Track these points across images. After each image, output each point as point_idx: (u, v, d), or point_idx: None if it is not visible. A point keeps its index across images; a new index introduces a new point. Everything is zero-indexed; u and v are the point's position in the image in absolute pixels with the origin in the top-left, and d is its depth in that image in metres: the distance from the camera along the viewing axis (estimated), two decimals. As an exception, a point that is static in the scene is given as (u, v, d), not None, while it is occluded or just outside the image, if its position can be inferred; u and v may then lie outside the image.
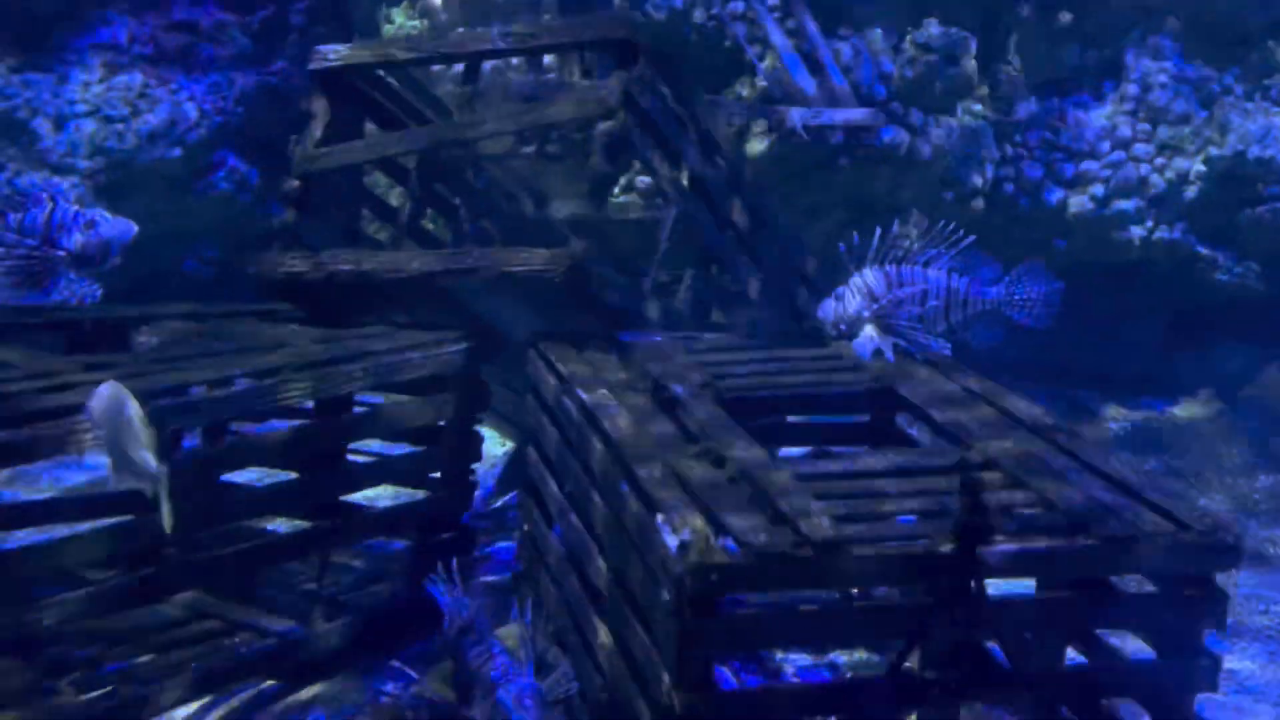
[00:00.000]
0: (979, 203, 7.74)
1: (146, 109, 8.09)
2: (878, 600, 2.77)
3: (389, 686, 3.85)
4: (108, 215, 4.80)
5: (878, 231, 4.63)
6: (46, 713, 3.21)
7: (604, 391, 3.96)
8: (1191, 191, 7.40)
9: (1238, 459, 7.07)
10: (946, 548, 2.66)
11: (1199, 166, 7.38)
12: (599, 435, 3.59)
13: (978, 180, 7.75)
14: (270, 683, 4.03)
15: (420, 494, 4.70)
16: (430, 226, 6.59)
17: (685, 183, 5.20)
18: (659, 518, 2.86)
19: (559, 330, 4.75)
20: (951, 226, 4.61)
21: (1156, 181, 7.48)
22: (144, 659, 3.92)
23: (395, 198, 6.72)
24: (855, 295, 4.75)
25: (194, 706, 3.79)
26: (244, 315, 5.18)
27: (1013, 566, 2.70)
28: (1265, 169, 7.23)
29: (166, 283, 7.78)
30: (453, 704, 3.79)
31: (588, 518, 3.83)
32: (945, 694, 2.69)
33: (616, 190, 7.86)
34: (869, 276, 4.71)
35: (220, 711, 3.90)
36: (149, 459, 2.92)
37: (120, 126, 8.00)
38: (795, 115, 6.56)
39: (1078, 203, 7.64)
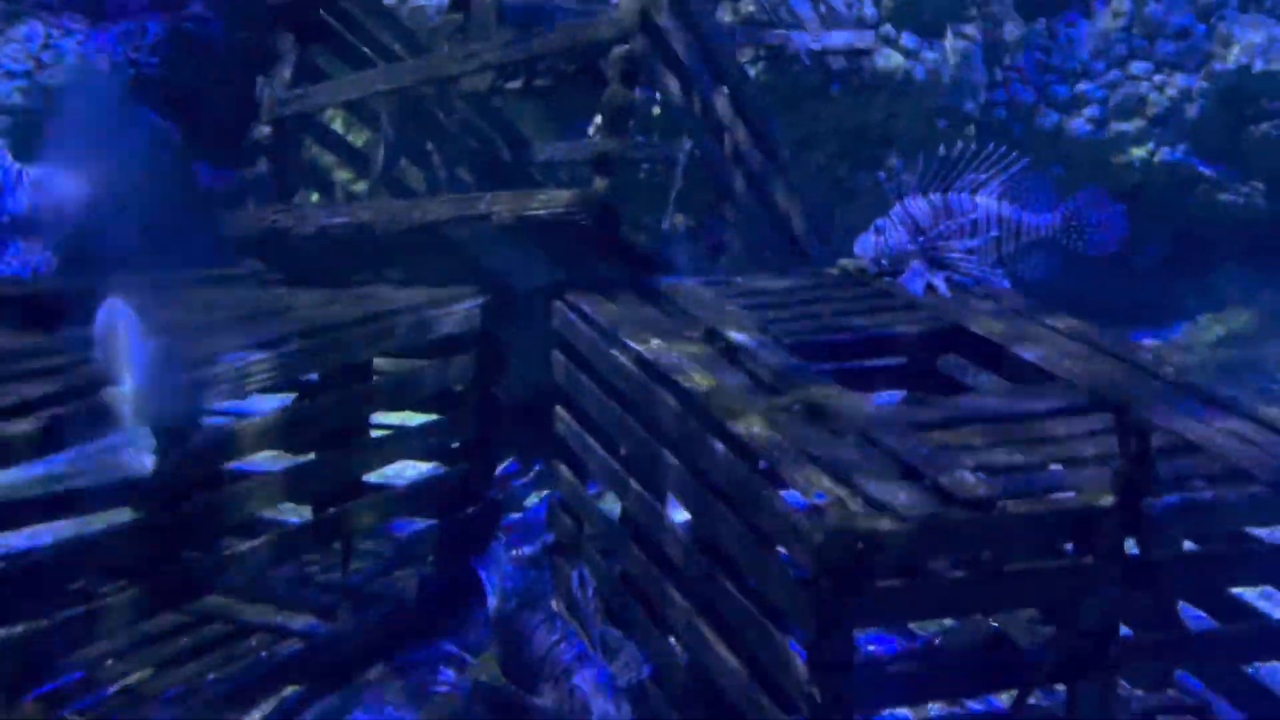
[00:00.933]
0: (971, 130, 7.45)
1: (52, 62, 7.38)
2: (1032, 563, 2.46)
3: (444, 677, 3.44)
4: (51, 172, 4.26)
5: (921, 157, 4.29)
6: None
7: (657, 342, 3.57)
8: (1193, 110, 7.17)
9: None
10: (1108, 501, 2.33)
11: (1201, 83, 7.15)
12: (671, 390, 3.20)
13: (970, 106, 7.44)
14: (294, 688, 3.60)
15: (438, 467, 4.29)
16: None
17: (700, 114, 4.80)
18: (787, 480, 2.49)
19: (581, 279, 4.34)
20: (1002, 150, 4.30)
21: (1157, 100, 7.23)
22: (150, 676, 3.46)
23: (363, 143, 6.21)
24: (898, 227, 4.41)
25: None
26: (218, 281, 4.67)
27: (1178, 519, 2.39)
28: (1270, 83, 7.02)
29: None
30: (516, 692, 3.41)
31: (657, 482, 3.46)
32: (1106, 663, 2.38)
33: (591, 129, 7.45)
34: (914, 206, 4.38)
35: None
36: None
37: (23, 82, 7.28)
38: (798, 40, 6.14)
39: (1074, 126, 7.38)
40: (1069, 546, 2.47)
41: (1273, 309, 7.50)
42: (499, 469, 4.56)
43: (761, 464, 2.80)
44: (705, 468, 2.94)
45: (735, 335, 3.58)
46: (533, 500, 5.18)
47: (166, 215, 5.48)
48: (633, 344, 3.56)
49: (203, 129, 8.04)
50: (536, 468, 5.33)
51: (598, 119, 7.33)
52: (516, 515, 4.86)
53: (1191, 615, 3.17)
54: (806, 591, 2.37)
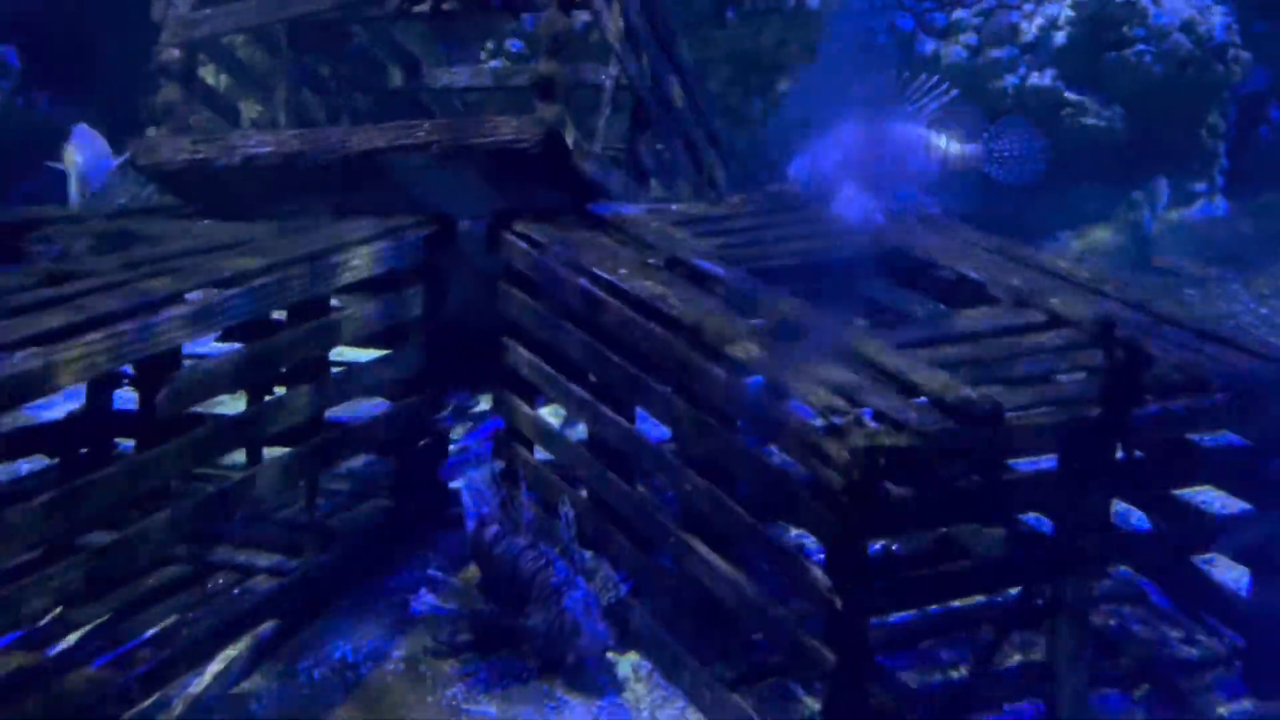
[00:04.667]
0: (855, 57, 7.68)
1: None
2: (1032, 473, 2.69)
3: (425, 599, 3.47)
4: None
5: (857, 85, 4.43)
6: (56, 697, 2.68)
7: (624, 271, 3.63)
8: (1060, 37, 7.58)
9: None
10: (1099, 412, 2.57)
11: (1067, 11, 7.55)
12: (654, 318, 3.28)
13: (855, 33, 7.67)
14: (267, 625, 3.57)
15: (384, 402, 4.25)
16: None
17: (626, 38, 4.80)
18: (799, 399, 2.62)
19: (522, 207, 4.32)
20: (935, 79, 4.48)
21: (1027, 28, 7.61)
22: (119, 619, 3.37)
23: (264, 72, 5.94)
24: (831, 152, 4.56)
25: (208, 670, 3.30)
26: (137, 214, 4.44)
27: (1158, 427, 2.65)
28: (1129, 11, 7.48)
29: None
30: (498, 612, 3.48)
31: (633, 407, 3.55)
32: (1091, 561, 2.65)
33: (484, 55, 7.32)
34: (846, 132, 4.52)
35: (218, 667, 3.41)
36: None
37: None
38: (700, -36, 6.15)
39: (951, 52, 7.69)
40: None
41: (1126, 224, 8.09)
42: (449, 399, 4.54)
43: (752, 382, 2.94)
44: (702, 391, 3.05)
45: (699, 263, 3.67)
46: (460, 431, 5.20)
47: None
48: (603, 273, 3.61)
49: (48, 56, 7.47)
50: (451, 400, 5.34)
51: (489, 44, 7.23)
52: (455, 445, 4.87)
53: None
54: (828, 505, 2.53)
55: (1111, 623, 3.19)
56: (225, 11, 4.71)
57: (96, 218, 4.11)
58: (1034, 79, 7.64)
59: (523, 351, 4.12)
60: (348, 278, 3.67)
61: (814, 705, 3.06)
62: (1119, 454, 2.59)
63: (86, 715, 2.72)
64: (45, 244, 3.71)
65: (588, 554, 3.65)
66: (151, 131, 4.68)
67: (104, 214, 4.26)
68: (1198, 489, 3.32)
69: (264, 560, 3.72)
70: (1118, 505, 3.37)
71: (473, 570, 3.74)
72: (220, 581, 3.67)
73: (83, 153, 4.18)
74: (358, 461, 4.32)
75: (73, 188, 4.11)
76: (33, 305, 2.65)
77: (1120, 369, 2.54)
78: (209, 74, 5.77)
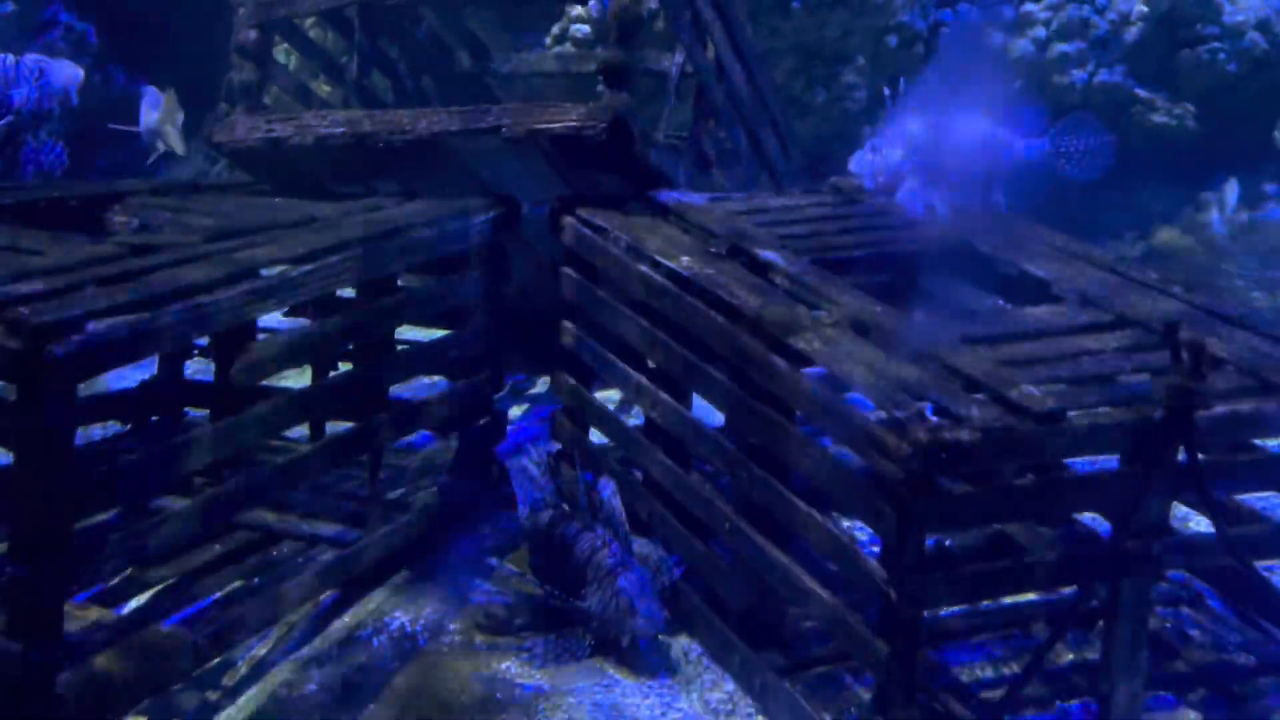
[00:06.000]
0: (920, 48, 7.62)
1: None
2: (1092, 472, 2.70)
3: (478, 584, 3.55)
4: (45, 58, 4.11)
5: (924, 78, 4.42)
6: (142, 648, 2.79)
7: (687, 259, 3.66)
8: (1132, 33, 7.46)
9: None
10: (1162, 413, 2.56)
11: (1140, 7, 7.43)
12: (716, 306, 3.32)
13: (921, 24, 7.61)
14: (328, 593, 3.67)
15: (443, 381, 4.33)
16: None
17: (692, 26, 4.82)
18: (861, 394, 2.64)
19: (587, 193, 4.37)
20: (1004, 74, 4.45)
21: (1098, 23, 7.50)
22: (186, 582, 3.48)
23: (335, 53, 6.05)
24: (894, 147, 4.55)
25: (272, 634, 3.40)
26: (212, 190, 4.56)
27: (1224, 430, 2.64)
28: (1204, 8, 7.34)
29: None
30: (552, 594, 3.54)
31: (691, 393, 3.59)
32: (1151, 563, 2.64)
33: (549, 41, 7.37)
34: (909, 125, 4.51)
35: (281, 631, 3.52)
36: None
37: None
38: (770, -46, 6.15)
39: (1020, 46, 7.60)
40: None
41: (1194, 225, 7.96)
42: (508, 380, 4.62)
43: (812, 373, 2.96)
44: (762, 381, 3.08)
45: (762, 252, 3.70)
46: (516, 412, 5.27)
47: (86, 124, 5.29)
48: (664, 261, 3.65)
49: (124, 33, 7.65)
50: (509, 381, 5.41)
51: (555, 30, 7.28)
52: (511, 425, 4.94)
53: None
54: (887, 497, 2.55)
55: (1168, 625, 3.18)
56: (300, -8, 4.80)
57: (174, 192, 4.23)
58: (1103, 75, 7.53)
59: (581, 335, 4.17)
60: (416, 257, 3.74)
61: (864, 695, 3.09)
62: (1182, 456, 2.58)
63: (158, 669, 2.82)
64: (126, 216, 3.82)
65: (642, 537, 3.71)
66: (223, 108, 4.80)
67: (180, 189, 4.39)
68: (1263, 494, 3.29)
69: (327, 530, 3.81)
70: (1177, 508, 3.36)
71: (526, 550, 3.81)
72: (284, 549, 3.78)
73: (152, 113, 4.38)
74: (417, 438, 4.41)
75: (150, 142, 4.40)
76: (119, 276, 2.75)
77: (1186, 371, 2.53)
78: (280, 54, 5.89)
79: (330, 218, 3.71)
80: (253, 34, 4.71)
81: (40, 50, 7.07)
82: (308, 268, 3.15)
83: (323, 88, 6.05)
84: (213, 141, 4.52)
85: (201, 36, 7.40)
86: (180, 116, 4.59)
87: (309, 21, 6.16)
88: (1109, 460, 2.70)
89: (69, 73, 4.00)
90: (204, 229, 3.38)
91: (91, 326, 2.48)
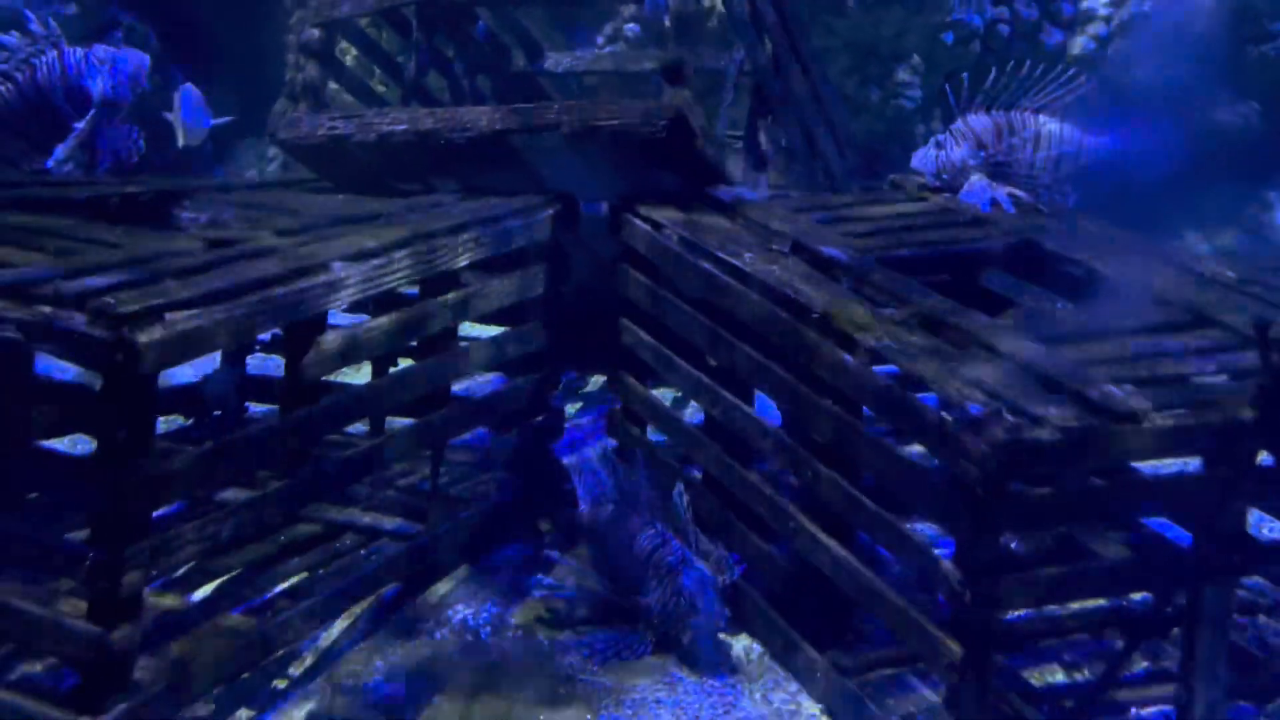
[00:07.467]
0: (975, 46, 7.53)
1: (36, -35, 7.04)
2: (1172, 475, 2.64)
3: (538, 578, 3.55)
4: (111, 49, 4.18)
5: (993, 73, 4.36)
6: (215, 636, 2.82)
7: (750, 256, 3.64)
8: (1197, 29, 7.31)
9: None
10: (1250, 415, 2.50)
11: (1204, 1, 7.28)
12: (780, 303, 3.29)
13: (977, 22, 7.51)
14: (390, 586, 3.68)
15: (501, 377, 4.34)
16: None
17: (752, 25, 4.79)
18: (936, 392, 2.61)
19: (646, 190, 4.36)
20: (1071, 71, 4.38)
21: (1161, 20, 7.36)
22: (251, 572, 3.51)
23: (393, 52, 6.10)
24: (960, 143, 4.50)
25: (335, 625, 3.43)
26: (275, 187, 4.60)
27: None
28: (1272, 4, 7.19)
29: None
30: (613, 589, 3.53)
31: (754, 390, 3.56)
32: (1231, 570, 2.58)
33: (601, 40, 7.37)
34: (976, 122, 4.46)
35: (345, 623, 3.54)
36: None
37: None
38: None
39: (1079, 44, 7.49)
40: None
41: (1256, 226, 7.80)
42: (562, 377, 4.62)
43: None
44: (830, 379, 3.05)
45: (825, 249, 3.66)
46: (571, 410, 5.27)
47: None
48: (727, 257, 3.63)
49: (182, 34, 7.77)
50: (563, 379, 5.41)
51: (608, 29, 7.29)
52: (570, 422, 4.94)
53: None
54: (963, 498, 2.51)
55: (1247, 634, 3.10)
56: (362, -9, 4.84)
57: (240, 189, 4.27)
58: (1166, 72, 7.39)
59: (641, 333, 4.16)
60: (479, 254, 3.75)
61: (932, 698, 3.04)
62: (1267, 461, 2.52)
63: (229, 657, 2.85)
64: (195, 212, 3.87)
65: (703, 535, 3.69)
66: (279, 105, 4.85)
67: (244, 186, 4.44)
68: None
69: (389, 524, 3.84)
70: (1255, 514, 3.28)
71: (586, 545, 3.80)
72: (347, 542, 3.80)
73: (186, 108, 4.47)
74: (477, 434, 4.42)
75: (178, 135, 4.56)
76: (197, 269, 2.78)
77: (1276, 372, 2.46)
78: (338, 52, 5.91)
79: (394, 214, 3.73)
80: (316, 33, 4.75)
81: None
82: (377, 262, 3.17)
83: (379, 85, 6.09)
84: (277, 139, 4.56)
85: (250, 38, 7.52)
86: (209, 115, 4.73)
87: (365, 20, 6.20)
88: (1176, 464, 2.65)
89: (137, 59, 4.07)
90: (272, 225, 3.41)
91: (171, 317, 2.51)
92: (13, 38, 4.18)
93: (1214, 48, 7.29)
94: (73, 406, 2.56)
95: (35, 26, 4.08)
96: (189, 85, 4.62)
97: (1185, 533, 3.09)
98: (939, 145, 4.48)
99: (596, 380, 5.56)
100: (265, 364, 4.52)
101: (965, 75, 4.42)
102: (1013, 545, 3.67)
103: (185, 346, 2.53)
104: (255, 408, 4.35)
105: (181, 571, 3.45)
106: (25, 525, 2.95)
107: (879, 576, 2.94)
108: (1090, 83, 4.30)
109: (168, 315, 2.50)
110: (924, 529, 3.66)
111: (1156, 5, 7.37)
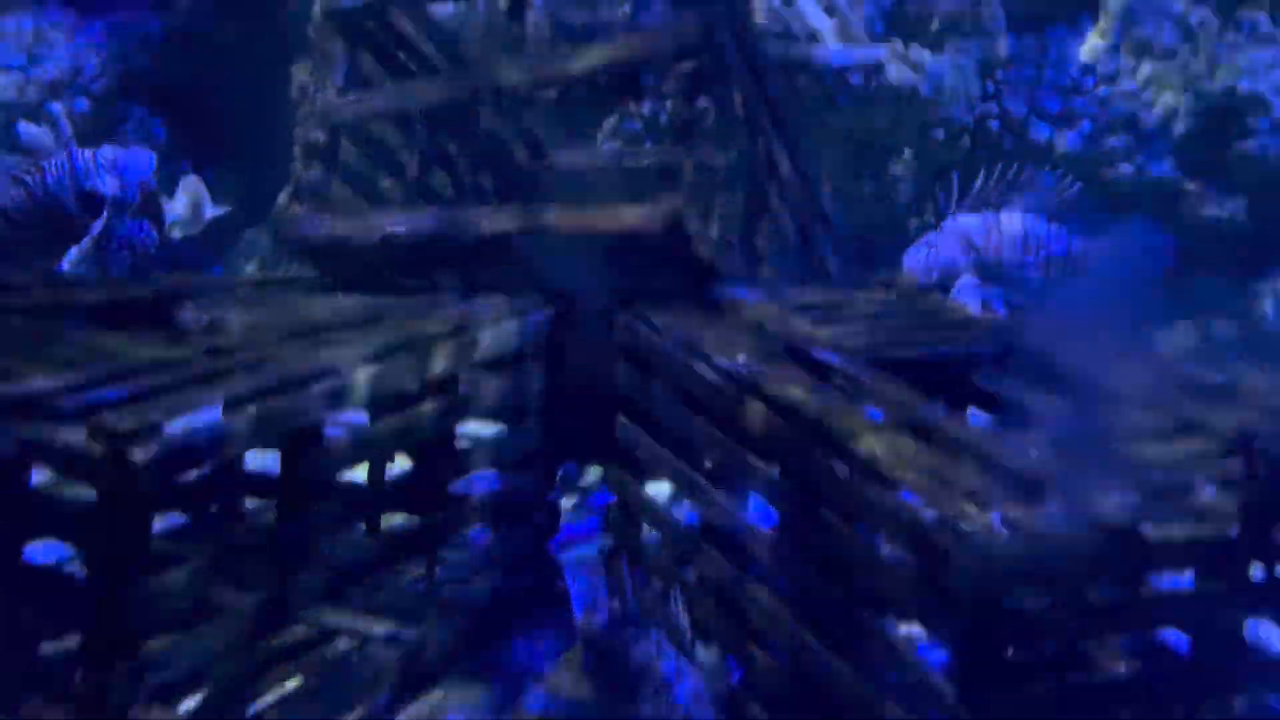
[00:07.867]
0: (965, 141, 7.70)
1: (45, 55, 7.24)
2: (1166, 590, 2.66)
3: (531, 688, 3.53)
4: (117, 147, 4.30)
5: (982, 175, 4.48)
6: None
7: (744, 357, 3.69)
8: (1181, 126, 7.49)
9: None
10: (1239, 529, 2.52)
11: (1189, 100, 7.47)
12: (773, 407, 3.33)
13: (967, 118, 7.69)
14: (383, 693, 3.65)
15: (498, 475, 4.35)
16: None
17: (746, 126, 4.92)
18: (928, 504, 2.63)
19: (643, 290, 4.43)
20: (1059, 172, 4.50)
21: (1146, 117, 7.54)
22: (248, 681, 3.48)
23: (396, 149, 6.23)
24: (951, 242, 4.60)
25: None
26: (277, 285, 4.67)
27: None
28: (1253, 103, 7.37)
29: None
30: (606, 704, 3.51)
31: (746, 494, 3.58)
32: (1230, 684, 2.57)
33: (600, 136, 7.53)
34: (965, 221, 4.57)
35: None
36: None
37: (18, 76, 7.14)
38: (819, 55, 6.30)
39: (1066, 139, 7.65)
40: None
41: (1246, 317, 7.89)
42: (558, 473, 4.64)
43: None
44: (823, 487, 3.07)
45: (817, 352, 3.71)
46: (568, 503, 5.27)
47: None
48: (722, 360, 3.68)
49: (190, 127, 7.96)
50: (560, 472, 5.42)
51: (607, 126, 7.45)
52: (564, 518, 4.94)
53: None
54: (955, 612, 2.52)
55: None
56: (366, 97, 4.97)
57: (242, 287, 4.34)
58: (1152, 168, 7.55)
59: (637, 430, 4.19)
60: (479, 355, 3.80)
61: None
62: (1259, 574, 2.53)
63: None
64: (195, 313, 3.92)
65: (697, 639, 3.67)
66: (282, 199, 4.96)
67: (246, 284, 4.51)
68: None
69: (381, 628, 3.81)
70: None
71: (580, 651, 3.78)
72: (339, 647, 3.78)
73: (185, 197, 4.58)
74: (470, 534, 4.42)
75: (176, 226, 4.69)
76: (195, 379, 2.82)
77: (1261, 483, 2.49)
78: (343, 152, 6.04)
79: (394, 316, 3.79)
80: (320, 135, 4.87)
81: (115, 142, 7.42)
82: (378, 367, 3.22)
83: (383, 181, 6.21)
84: (280, 238, 4.65)
85: (263, 128, 7.68)
86: (209, 205, 4.84)
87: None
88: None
89: (144, 158, 4.18)
90: (274, 327, 3.46)
91: (169, 430, 2.55)
92: (38, 135, 4.29)
93: (1199, 144, 7.46)
94: (67, 522, 2.57)
95: (47, 137, 4.19)
96: (191, 176, 4.75)
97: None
98: (930, 245, 4.58)
99: (596, 471, 5.57)
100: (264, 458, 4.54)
101: (955, 174, 4.53)
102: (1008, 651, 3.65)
103: (184, 463, 2.56)
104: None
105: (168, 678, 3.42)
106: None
107: (873, 686, 2.92)
108: (1076, 186, 4.41)
109: (166, 431, 2.54)
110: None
111: (1141, 105, 7.56)
